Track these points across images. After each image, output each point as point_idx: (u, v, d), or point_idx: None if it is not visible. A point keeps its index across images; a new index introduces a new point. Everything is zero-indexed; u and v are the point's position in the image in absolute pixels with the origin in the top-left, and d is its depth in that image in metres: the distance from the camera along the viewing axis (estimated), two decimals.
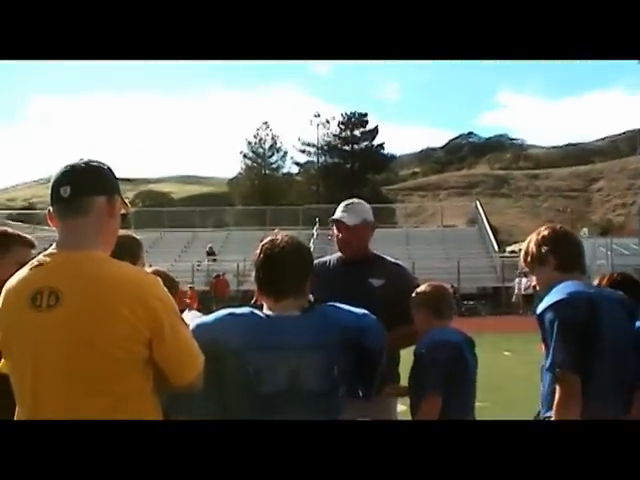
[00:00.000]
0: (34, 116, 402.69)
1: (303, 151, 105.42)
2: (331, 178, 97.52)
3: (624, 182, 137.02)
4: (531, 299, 37.58)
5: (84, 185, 2.76)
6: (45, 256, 2.74)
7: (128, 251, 3.72)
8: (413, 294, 4.66)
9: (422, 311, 4.59)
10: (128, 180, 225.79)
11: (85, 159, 2.87)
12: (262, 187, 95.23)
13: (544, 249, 3.87)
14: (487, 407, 8.25)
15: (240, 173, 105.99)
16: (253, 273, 3.36)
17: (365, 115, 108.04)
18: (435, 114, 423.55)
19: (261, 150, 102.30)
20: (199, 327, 3.21)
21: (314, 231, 49.05)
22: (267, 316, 3.21)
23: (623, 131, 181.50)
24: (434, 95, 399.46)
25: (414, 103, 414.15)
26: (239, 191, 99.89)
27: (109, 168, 2.91)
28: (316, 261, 5.13)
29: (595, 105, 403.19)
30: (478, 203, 56.60)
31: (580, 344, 3.55)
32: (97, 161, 2.89)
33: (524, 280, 37.52)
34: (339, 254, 5.13)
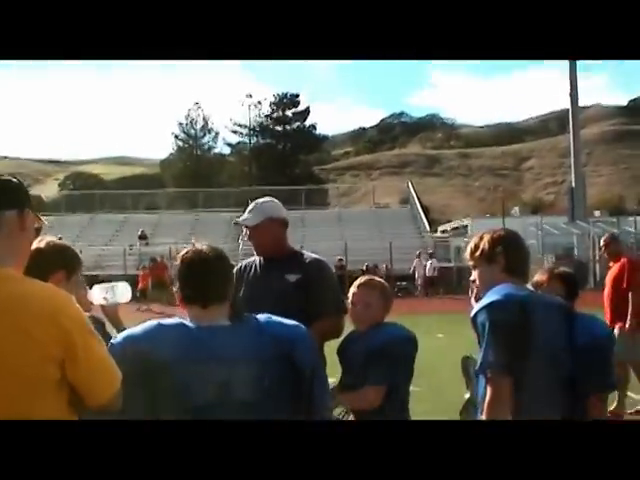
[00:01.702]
0: None
1: (235, 132, 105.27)
2: (263, 159, 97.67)
3: (554, 160, 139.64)
4: (435, 281, 38.25)
5: None
6: None
7: (63, 263, 3.64)
8: (365, 282, 4.67)
9: (373, 299, 4.61)
10: (58, 162, 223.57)
11: None
12: (194, 168, 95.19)
13: (497, 249, 3.86)
14: (421, 392, 8.26)
15: (172, 154, 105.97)
16: (175, 284, 3.29)
17: (297, 95, 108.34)
18: (367, 93, 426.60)
19: (193, 131, 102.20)
20: (127, 339, 3.15)
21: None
22: (197, 327, 3.15)
23: (553, 110, 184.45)
24: (366, 74, 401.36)
25: (346, 82, 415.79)
26: (171, 172, 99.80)
27: (19, 181, 2.81)
28: (242, 263, 5.16)
29: (525, 84, 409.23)
30: (410, 183, 57.10)
31: (512, 346, 3.56)
32: (6, 175, 2.80)
33: (428, 262, 37.95)
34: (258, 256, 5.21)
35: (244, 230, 5.13)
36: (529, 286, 4.17)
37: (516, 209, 78.88)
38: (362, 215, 56.40)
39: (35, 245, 3.52)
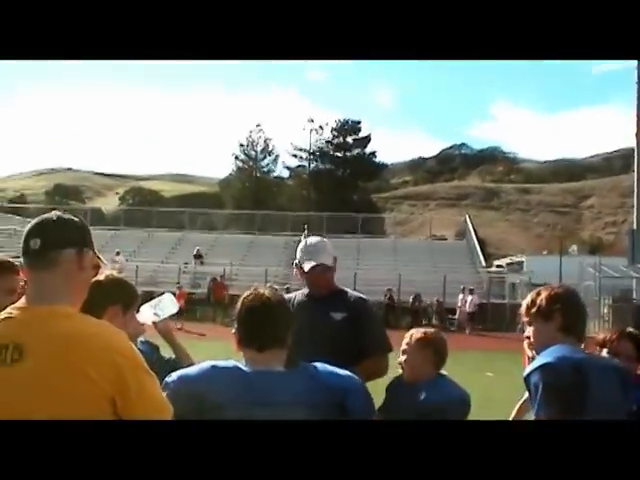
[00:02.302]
0: (31, 108, 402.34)
1: (295, 155, 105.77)
2: (322, 183, 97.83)
3: (615, 200, 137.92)
4: (474, 317, 37.76)
5: (53, 238, 2.73)
6: (14, 309, 2.69)
7: (120, 297, 3.70)
8: (416, 334, 4.62)
9: (425, 353, 4.54)
10: (120, 176, 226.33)
11: (58, 212, 2.86)
12: (253, 189, 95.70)
13: (555, 306, 3.78)
14: None
15: (231, 174, 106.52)
16: (234, 325, 3.32)
17: (358, 122, 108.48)
18: (428, 123, 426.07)
19: (253, 152, 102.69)
20: (181, 379, 3.19)
21: (302, 238, 48.98)
22: (252, 371, 3.17)
23: (616, 149, 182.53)
24: (428, 104, 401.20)
25: (408, 111, 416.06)
26: (230, 192, 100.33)
27: (81, 221, 2.89)
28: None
29: (589, 121, 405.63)
30: (467, 217, 56.72)
31: (565, 410, 3.50)
32: (70, 214, 2.88)
33: (469, 297, 37.53)
34: (304, 290, 5.24)
35: (299, 269, 5.13)
36: (595, 345, 4.12)
37: (574, 247, 78.13)
38: (417, 246, 56.14)
39: (96, 278, 3.58)
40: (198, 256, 45.98)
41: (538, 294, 3.89)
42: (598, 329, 35.54)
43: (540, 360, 3.60)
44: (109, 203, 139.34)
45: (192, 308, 39.39)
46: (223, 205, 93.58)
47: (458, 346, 24.18)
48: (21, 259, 2.81)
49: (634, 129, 44.00)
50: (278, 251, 49.24)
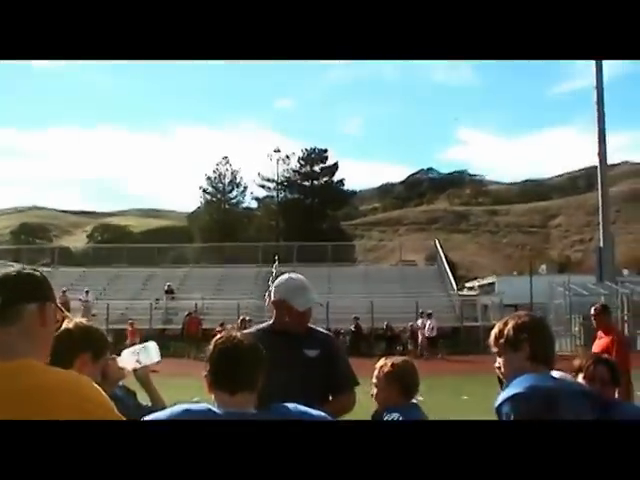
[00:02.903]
0: None
1: (263, 186, 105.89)
2: (291, 213, 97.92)
3: (582, 218, 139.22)
4: (434, 342, 37.74)
5: (14, 294, 2.71)
6: None
7: (89, 345, 3.67)
8: (384, 367, 4.66)
9: (393, 386, 4.59)
10: (86, 213, 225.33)
11: (17, 268, 2.85)
12: (221, 222, 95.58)
13: (522, 336, 3.77)
14: None
15: (199, 207, 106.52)
16: (206, 368, 3.31)
17: (325, 151, 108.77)
18: (395, 149, 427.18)
19: (220, 185, 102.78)
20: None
21: (273, 269, 49.05)
22: (224, 413, 3.16)
23: (581, 168, 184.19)
24: (394, 130, 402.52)
25: (374, 138, 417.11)
26: (198, 225, 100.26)
27: (42, 275, 2.87)
28: (247, 331, 5.15)
29: (553, 142, 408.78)
30: (437, 241, 56.97)
31: None
32: (31, 269, 2.88)
33: (428, 322, 37.54)
34: (267, 324, 5.19)
35: (278, 303, 5.06)
36: (566, 373, 4.14)
37: (543, 267, 78.59)
38: (388, 272, 56.37)
39: (64, 326, 3.56)
40: (169, 291, 45.76)
41: (505, 324, 3.88)
42: (570, 347, 35.77)
43: (510, 390, 3.60)
44: (77, 241, 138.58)
45: (166, 344, 39.22)
46: (192, 239, 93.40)
47: (432, 371, 24.27)
48: None
49: (596, 148, 44.51)
50: (249, 283, 49.19)
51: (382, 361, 4.73)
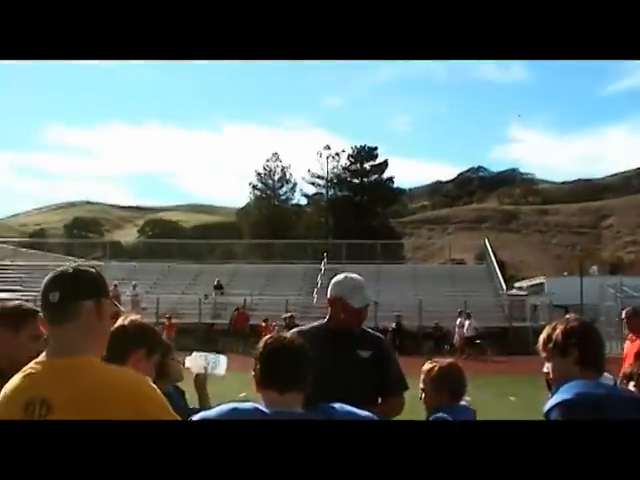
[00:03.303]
0: (49, 144, 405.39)
1: (312, 183, 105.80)
2: (340, 210, 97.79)
3: (635, 219, 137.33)
4: (472, 342, 37.27)
5: (72, 290, 2.77)
6: (36, 364, 2.74)
7: (144, 342, 3.72)
8: (431, 371, 4.68)
9: (441, 389, 4.61)
10: (137, 208, 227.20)
11: (74, 264, 2.93)
12: (271, 218, 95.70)
13: (571, 341, 3.74)
14: None
15: (249, 203, 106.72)
16: (255, 367, 3.35)
17: (375, 148, 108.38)
18: (445, 147, 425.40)
19: (270, 181, 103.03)
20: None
21: (322, 266, 49.06)
22: (272, 412, 3.18)
23: (634, 167, 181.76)
24: (444, 128, 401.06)
25: (424, 136, 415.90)
26: (248, 221, 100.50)
27: (97, 271, 2.93)
28: (297, 329, 5.15)
29: (606, 140, 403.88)
30: (487, 241, 56.49)
31: None
32: (87, 265, 2.96)
33: (467, 322, 37.13)
34: (321, 322, 5.17)
35: (337, 301, 5.03)
36: (616, 378, 4.10)
37: (594, 268, 77.71)
38: (437, 271, 56.07)
39: (119, 322, 3.63)
40: (218, 287, 45.95)
41: (554, 329, 3.85)
42: (621, 350, 35.35)
43: (559, 396, 3.57)
44: (128, 235, 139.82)
45: (214, 338, 39.44)
46: (242, 235, 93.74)
47: (480, 371, 24.05)
48: (41, 313, 2.86)
49: None
50: (297, 280, 49.24)
51: (428, 364, 4.74)
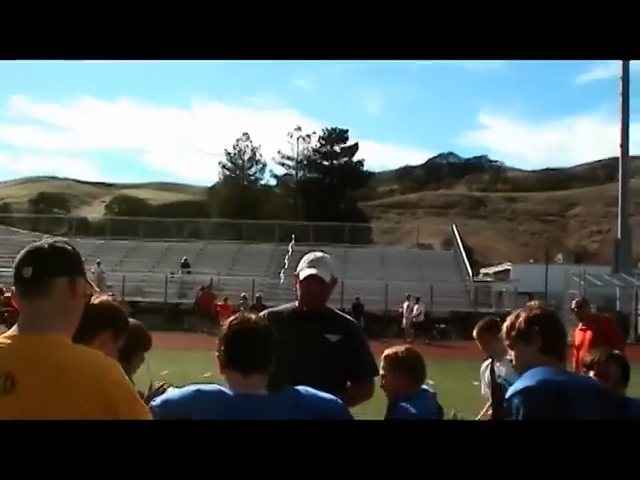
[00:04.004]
0: (13, 116, 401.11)
1: (282, 164, 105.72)
2: (309, 192, 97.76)
3: (600, 209, 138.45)
4: (420, 327, 37.34)
5: (46, 266, 2.72)
6: (5, 338, 2.68)
7: (112, 323, 3.68)
8: (389, 357, 4.71)
9: (400, 375, 4.63)
10: (105, 184, 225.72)
11: (50, 240, 2.84)
12: (239, 198, 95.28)
13: (534, 329, 3.79)
14: None
15: (218, 183, 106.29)
16: (219, 348, 3.34)
17: (346, 131, 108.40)
18: (416, 132, 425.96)
19: (240, 161, 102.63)
20: (165, 403, 3.22)
21: (289, 247, 49.09)
22: (235, 395, 3.20)
23: (601, 158, 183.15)
24: (416, 113, 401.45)
25: (395, 120, 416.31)
26: (216, 201, 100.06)
27: (74, 249, 2.87)
28: (269, 310, 5.14)
29: (575, 131, 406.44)
30: (454, 226, 56.72)
31: None
32: (62, 241, 2.87)
33: (415, 306, 37.16)
34: (293, 304, 5.13)
35: (297, 279, 5.02)
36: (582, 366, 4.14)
37: (560, 256, 78.39)
38: (405, 255, 56.19)
39: (91, 301, 3.59)
40: (185, 265, 45.82)
41: (517, 317, 3.90)
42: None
43: (522, 383, 3.63)
44: (95, 212, 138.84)
45: (180, 318, 39.37)
46: (210, 214, 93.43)
47: (445, 356, 24.16)
48: (13, 287, 2.79)
49: (619, 140, 44.35)
50: (265, 260, 49.26)
51: (387, 351, 4.77)
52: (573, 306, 10.94)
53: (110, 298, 3.88)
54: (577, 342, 10.40)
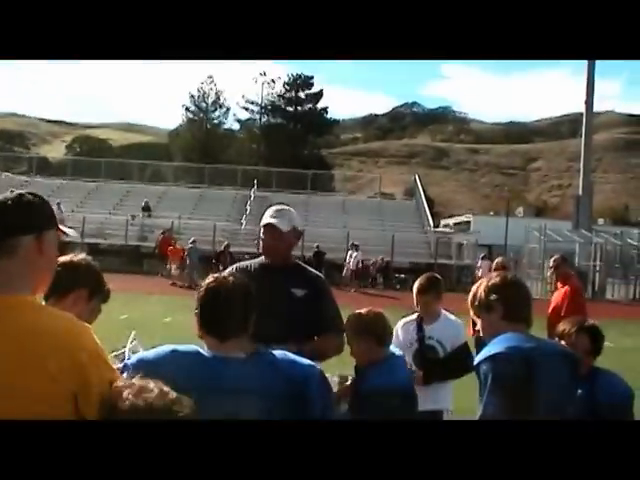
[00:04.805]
0: None
1: (246, 109, 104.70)
2: (272, 138, 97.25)
3: (562, 164, 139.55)
4: (361, 275, 37.43)
5: (9, 224, 2.57)
6: None
7: (87, 282, 3.61)
8: (350, 322, 4.67)
9: (365, 340, 4.58)
10: (66, 123, 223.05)
11: (14, 193, 2.66)
12: (202, 141, 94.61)
13: (493, 297, 3.78)
14: None
15: (181, 125, 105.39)
16: (195, 309, 3.28)
17: (311, 78, 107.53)
18: (381, 81, 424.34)
19: (204, 104, 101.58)
20: (140, 362, 3.14)
21: (252, 193, 48.98)
22: (212, 357, 3.16)
23: (565, 113, 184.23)
24: (380, 62, 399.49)
25: (360, 68, 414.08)
26: (179, 144, 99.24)
27: (41, 199, 2.71)
28: (237, 264, 5.10)
29: (539, 85, 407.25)
30: (417, 177, 56.83)
31: (513, 400, 3.53)
32: (28, 194, 2.68)
33: (355, 254, 37.09)
34: (261, 259, 5.11)
35: (261, 230, 5.01)
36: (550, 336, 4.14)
37: (520, 209, 78.98)
38: (366, 204, 56.26)
39: (68, 257, 3.51)
40: (146, 208, 45.54)
41: (478, 286, 3.91)
42: (542, 292, 36.14)
43: (490, 349, 3.62)
44: (55, 151, 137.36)
45: (139, 261, 39.28)
46: (172, 157, 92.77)
47: (404, 306, 24.16)
48: None
49: (583, 96, 44.52)
50: (227, 205, 49.11)
51: (350, 315, 4.71)
52: (551, 264, 10.91)
53: (88, 257, 3.79)
54: (553, 303, 10.41)
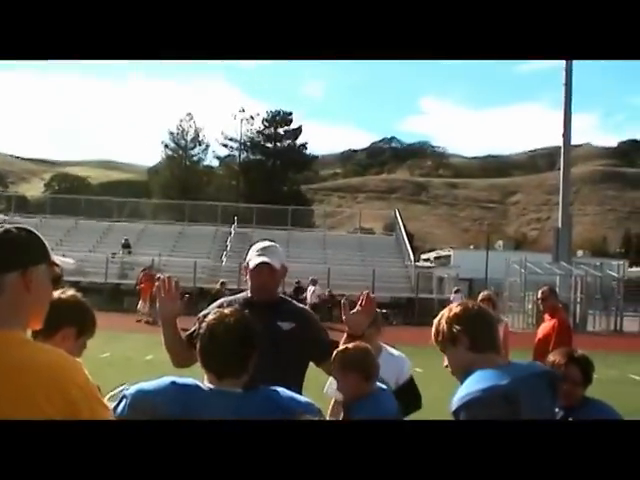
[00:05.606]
0: None
1: (225, 145, 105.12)
2: (252, 174, 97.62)
3: (540, 197, 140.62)
4: (317, 308, 37.39)
5: None
6: None
7: (76, 320, 3.59)
8: (336, 358, 4.57)
9: (351, 376, 4.48)
10: (44, 161, 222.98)
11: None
12: (182, 178, 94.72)
13: (456, 328, 3.57)
14: None
15: (160, 163, 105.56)
16: (198, 343, 3.28)
17: (290, 114, 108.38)
18: (359, 116, 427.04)
19: (183, 141, 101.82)
20: (138, 392, 3.14)
21: (232, 229, 48.97)
22: (210, 390, 3.16)
23: (542, 147, 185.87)
24: (359, 97, 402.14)
25: (339, 104, 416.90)
26: (158, 181, 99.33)
27: (28, 235, 2.66)
28: (221, 300, 5.06)
29: (517, 119, 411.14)
30: (397, 211, 57.00)
31: None
32: (14, 229, 2.64)
33: (312, 288, 36.94)
34: (245, 295, 5.07)
35: (247, 269, 4.95)
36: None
37: (500, 243, 79.39)
38: (347, 239, 56.31)
39: (58, 294, 3.46)
40: (126, 246, 45.46)
41: (440, 319, 3.68)
42: (523, 325, 36.21)
43: (466, 393, 3.39)
44: (34, 189, 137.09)
45: (120, 298, 39.06)
46: (151, 194, 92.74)
47: (389, 340, 24.12)
48: None
49: (561, 129, 44.90)
50: (207, 242, 49.02)
51: (337, 350, 4.60)
52: (539, 296, 10.94)
53: (79, 294, 3.75)
54: (540, 334, 10.44)
